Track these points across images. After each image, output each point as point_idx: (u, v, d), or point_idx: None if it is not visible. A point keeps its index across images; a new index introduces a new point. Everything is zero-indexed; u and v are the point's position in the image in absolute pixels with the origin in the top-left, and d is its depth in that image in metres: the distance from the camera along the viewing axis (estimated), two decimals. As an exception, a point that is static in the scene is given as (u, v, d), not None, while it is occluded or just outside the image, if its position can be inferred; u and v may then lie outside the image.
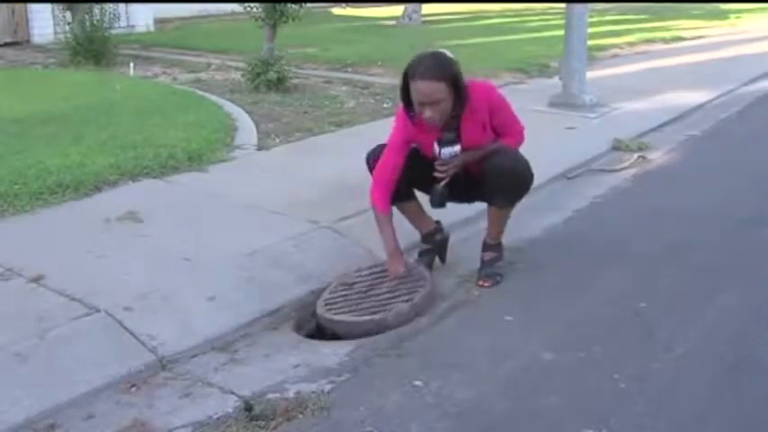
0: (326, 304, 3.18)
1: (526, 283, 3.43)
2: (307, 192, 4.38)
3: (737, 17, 16.50)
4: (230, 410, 2.48)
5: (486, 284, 3.37)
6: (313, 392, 2.56)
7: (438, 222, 3.66)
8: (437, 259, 3.65)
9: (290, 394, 2.56)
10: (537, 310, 3.16)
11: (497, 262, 3.48)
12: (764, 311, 3.12)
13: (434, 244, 3.63)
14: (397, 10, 15.92)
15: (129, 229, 3.79)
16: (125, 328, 2.84)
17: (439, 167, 3.26)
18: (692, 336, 2.89)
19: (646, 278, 3.45)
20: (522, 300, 3.27)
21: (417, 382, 2.63)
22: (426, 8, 16.01)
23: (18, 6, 12.01)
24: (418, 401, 2.52)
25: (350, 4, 13.64)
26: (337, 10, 15.60)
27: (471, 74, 9.20)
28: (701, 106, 7.31)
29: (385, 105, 7.07)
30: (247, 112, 6.53)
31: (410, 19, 15.24)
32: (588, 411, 2.45)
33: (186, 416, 2.46)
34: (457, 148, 3.21)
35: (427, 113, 3.08)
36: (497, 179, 3.26)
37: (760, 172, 5.15)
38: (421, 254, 3.62)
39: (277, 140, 5.71)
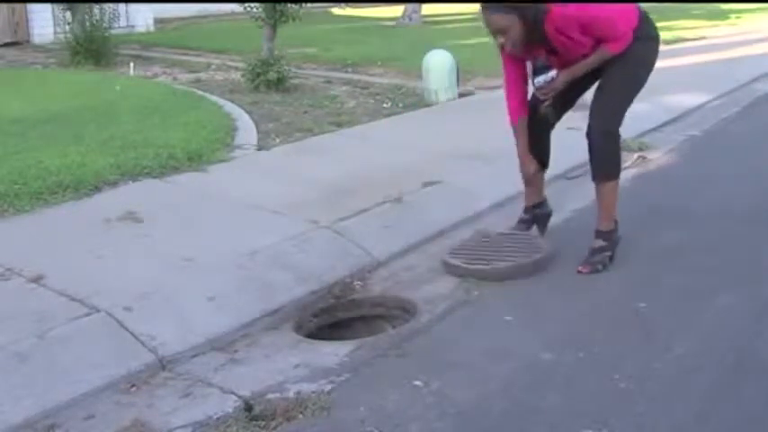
0: (453, 254, 3.60)
1: (526, 283, 3.43)
2: (307, 192, 4.38)
3: (738, 17, 16.49)
4: (230, 410, 2.48)
5: (583, 271, 3.46)
6: (313, 392, 2.56)
7: (544, 199, 3.87)
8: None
9: (290, 394, 2.56)
10: (537, 310, 3.16)
11: (604, 252, 3.53)
12: (764, 311, 3.12)
13: (534, 216, 3.84)
14: (397, 10, 15.92)
15: (129, 229, 3.79)
16: (125, 329, 2.84)
17: (538, 93, 3.50)
18: (692, 336, 2.89)
19: (646, 278, 3.45)
20: (521, 300, 3.26)
21: (417, 382, 2.63)
22: (426, 8, 16.01)
23: (18, 6, 12.02)
24: (418, 401, 2.52)
25: (350, 4, 13.63)
26: (337, 10, 15.60)
27: (472, 74, 9.15)
28: (701, 106, 7.31)
29: (385, 105, 7.07)
30: (247, 112, 6.54)
31: (410, 19, 15.24)
32: (588, 411, 2.44)
33: (186, 416, 2.45)
34: (552, 73, 3.38)
35: (499, 40, 3.25)
36: (589, 147, 3.50)
37: (760, 172, 5.14)
38: (519, 222, 3.81)
39: (277, 140, 5.71)
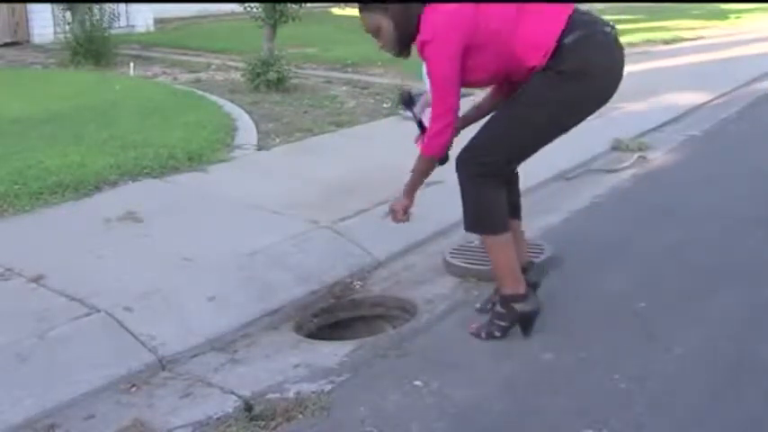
0: (454, 254, 3.59)
1: (526, 283, 3.42)
2: (306, 192, 4.38)
3: (737, 17, 16.49)
4: (230, 410, 2.48)
5: (472, 329, 2.97)
6: (313, 392, 2.56)
7: (530, 262, 3.20)
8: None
9: (290, 394, 2.56)
10: (537, 310, 3.16)
11: (500, 321, 2.92)
12: (764, 311, 3.12)
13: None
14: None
15: (129, 229, 3.79)
16: (125, 329, 2.84)
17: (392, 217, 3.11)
18: (692, 336, 2.89)
19: (646, 278, 3.45)
20: (522, 300, 3.26)
21: (417, 382, 2.63)
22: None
23: (18, 6, 12.02)
24: (418, 401, 2.52)
25: (350, 4, 13.62)
26: (337, 10, 15.58)
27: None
28: (700, 106, 7.31)
29: (385, 105, 7.07)
30: (247, 112, 6.54)
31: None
32: (588, 411, 2.44)
33: (186, 416, 2.46)
34: (421, 101, 3.02)
35: (378, 43, 2.89)
36: None
37: (760, 172, 5.14)
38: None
39: (277, 140, 5.71)
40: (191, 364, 2.78)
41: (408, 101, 2.98)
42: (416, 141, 2.99)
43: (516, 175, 3.09)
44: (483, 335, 2.92)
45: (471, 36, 2.65)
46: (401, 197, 3.05)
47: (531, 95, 2.73)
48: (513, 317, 2.88)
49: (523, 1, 2.72)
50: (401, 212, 3.06)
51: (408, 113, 2.95)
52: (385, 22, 2.76)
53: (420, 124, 2.97)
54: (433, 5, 2.67)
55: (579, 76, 2.68)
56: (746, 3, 17.24)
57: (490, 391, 2.58)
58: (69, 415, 2.45)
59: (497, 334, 2.90)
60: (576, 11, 2.72)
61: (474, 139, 2.82)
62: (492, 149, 2.79)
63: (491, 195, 2.81)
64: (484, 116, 3.00)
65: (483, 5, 2.68)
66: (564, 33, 2.65)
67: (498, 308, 2.92)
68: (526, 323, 2.90)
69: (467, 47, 2.66)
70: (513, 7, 2.70)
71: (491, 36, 2.68)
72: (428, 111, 2.82)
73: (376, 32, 2.82)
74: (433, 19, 2.65)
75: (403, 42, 2.80)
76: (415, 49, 2.80)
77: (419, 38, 2.67)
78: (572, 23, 2.67)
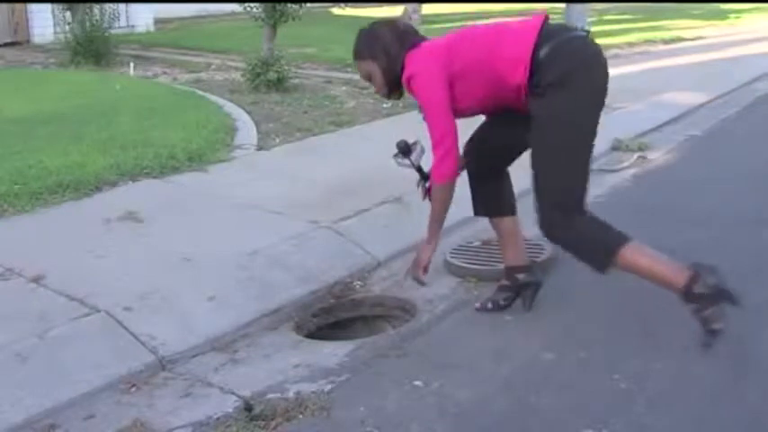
0: (454, 254, 3.62)
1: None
2: (307, 192, 4.38)
3: (737, 17, 16.49)
4: (230, 410, 2.48)
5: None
6: (313, 392, 2.57)
7: (529, 263, 3.22)
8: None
9: (290, 394, 2.56)
10: (537, 310, 3.16)
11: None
12: (764, 311, 3.12)
13: (516, 285, 3.15)
14: (398, 10, 15.91)
15: (129, 229, 3.79)
16: (125, 329, 2.84)
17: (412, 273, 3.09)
18: (692, 336, 2.89)
19: (646, 278, 3.44)
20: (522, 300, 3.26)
21: (417, 382, 2.63)
22: (427, 8, 16.00)
23: (18, 6, 12.02)
24: (418, 401, 2.52)
25: (349, 4, 13.62)
26: (337, 10, 15.58)
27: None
28: (701, 106, 7.31)
29: (384, 105, 7.07)
30: (247, 112, 6.54)
31: (410, 19, 15.21)
32: (588, 411, 2.45)
33: (186, 416, 2.46)
34: (417, 150, 3.05)
35: (373, 88, 3.10)
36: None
37: (760, 172, 5.14)
38: (499, 289, 3.19)
39: (277, 140, 5.71)
40: (191, 364, 2.78)
41: (405, 150, 3.04)
42: (423, 194, 3.06)
43: (507, 173, 3.14)
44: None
45: (451, 63, 2.81)
46: (424, 243, 3.01)
47: (542, 123, 2.77)
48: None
49: (496, 25, 2.90)
50: (423, 269, 3.00)
51: (406, 161, 3.03)
52: (375, 68, 2.97)
53: (420, 170, 3.04)
54: (413, 51, 2.87)
55: (566, 82, 2.71)
56: (746, 3, 17.25)
57: (490, 391, 2.58)
58: (69, 415, 2.45)
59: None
60: (545, 24, 2.79)
61: (538, 201, 2.81)
62: (559, 192, 2.78)
63: (589, 227, 2.79)
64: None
65: (459, 37, 2.88)
66: (537, 46, 2.72)
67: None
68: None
69: (451, 75, 2.80)
70: (491, 33, 2.85)
71: (473, 62, 2.80)
72: (425, 157, 2.99)
73: (369, 78, 3.04)
74: (414, 57, 2.86)
75: (391, 85, 2.97)
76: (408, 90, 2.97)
77: (404, 75, 2.86)
78: (543, 36, 2.74)
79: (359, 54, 3.02)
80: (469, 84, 2.83)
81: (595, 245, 2.77)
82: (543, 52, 2.71)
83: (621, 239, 2.75)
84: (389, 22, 3.05)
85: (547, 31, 2.76)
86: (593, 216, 2.81)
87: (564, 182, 2.78)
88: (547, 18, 2.81)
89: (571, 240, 2.81)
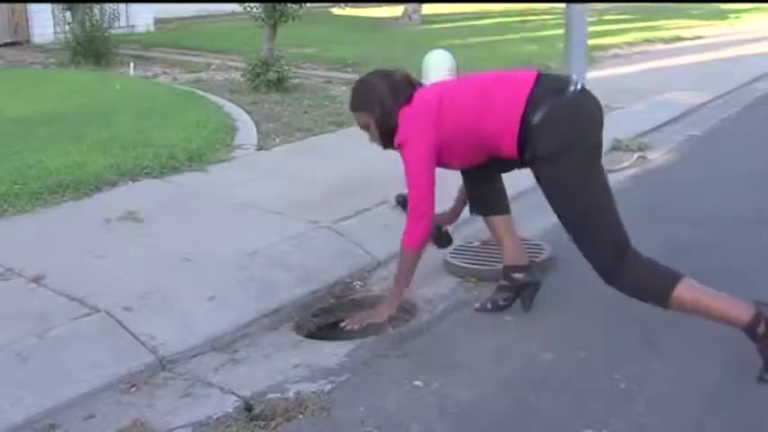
0: (454, 254, 3.62)
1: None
2: (307, 192, 4.38)
3: (737, 17, 16.49)
4: (230, 410, 2.48)
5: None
6: (313, 392, 2.57)
7: (528, 263, 3.20)
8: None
9: (290, 394, 2.56)
10: (537, 310, 3.16)
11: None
12: (764, 311, 3.11)
13: (515, 286, 3.16)
14: (397, 10, 15.92)
15: (129, 229, 3.79)
16: (125, 329, 2.84)
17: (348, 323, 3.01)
18: (692, 336, 2.89)
19: (646, 278, 3.44)
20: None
21: (417, 382, 2.63)
22: (427, 8, 16.01)
23: (18, 6, 12.02)
24: (418, 401, 2.52)
25: (349, 4, 13.64)
26: (337, 10, 15.58)
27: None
28: (701, 106, 7.31)
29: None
30: (247, 112, 6.54)
31: (410, 19, 15.24)
32: (588, 411, 2.45)
33: (186, 416, 2.46)
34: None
35: (370, 138, 3.09)
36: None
37: (760, 172, 5.14)
38: (498, 289, 3.20)
39: (277, 140, 5.71)
40: (191, 364, 2.78)
41: (404, 203, 3.10)
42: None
43: (499, 177, 3.16)
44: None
45: (440, 127, 2.82)
46: (386, 303, 2.99)
47: (550, 193, 2.81)
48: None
49: (485, 84, 2.85)
50: (361, 324, 2.94)
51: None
52: (370, 120, 2.98)
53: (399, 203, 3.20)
54: (406, 108, 2.89)
55: (563, 152, 2.72)
56: (746, 3, 17.25)
57: (490, 391, 2.58)
58: (69, 415, 2.45)
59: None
60: (537, 83, 2.74)
61: (586, 258, 2.79)
62: (599, 250, 2.76)
63: (642, 270, 2.73)
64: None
65: (447, 101, 2.85)
66: (528, 112, 2.69)
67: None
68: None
69: (440, 139, 2.84)
70: (479, 96, 2.82)
71: (460, 131, 2.83)
72: None
73: (366, 128, 3.05)
74: (406, 117, 2.88)
75: (385, 137, 2.98)
76: None
77: (397, 138, 2.89)
78: (535, 99, 2.71)
79: (354, 105, 3.05)
80: (459, 147, 2.88)
81: (654, 285, 2.71)
82: (536, 118, 2.68)
83: (676, 276, 2.67)
84: (384, 73, 3.03)
85: (539, 92, 2.71)
86: (644, 258, 2.75)
87: (598, 240, 2.76)
88: (539, 76, 2.78)
89: (632, 286, 2.75)
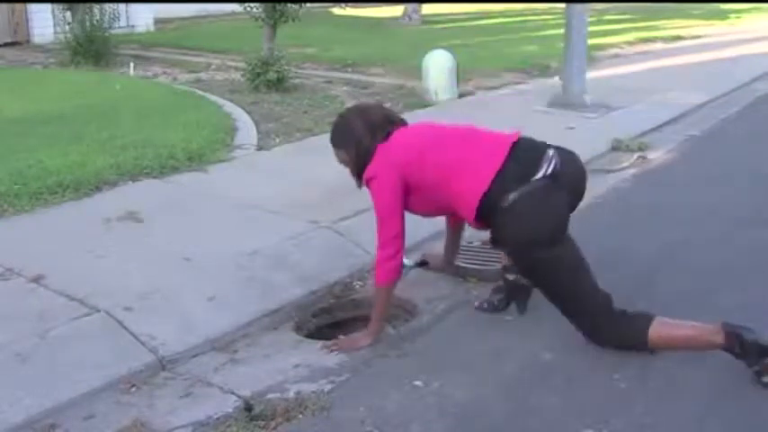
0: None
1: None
2: (307, 192, 4.38)
3: (737, 17, 16.50)
4: (230, 410, 2.48)
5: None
6: (313, 392, 2.57)
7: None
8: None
9: (290, 394, 2.56)
10: (537, 310, 3.15)
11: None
12: (764, 311, 3.11)
13: (507, 287, 3.17)
14: (397, 10, 15.92)
15: (129, 229, 3.79)
16: (125, 329, 2.84)
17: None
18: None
19: (645, 278, 3.45)
20: (521, 300, 3.26)
21: (417, 382, 2.63)
22: (427, 8, 16.01)
23: (18, 6, 12.01)
24: (418, 401, 2.53)
25: (350, 4, 13.64)
26: (337, 10, 15.57)
27: (472, 74, 9.16)
28: (701, 106, 7.31)
29: (385, 105, 7.07)
30: (247, 112, 6.54)
31: (410, 19, 15.25)
32: (588, 411, 2.45)
33: (186, 416, 2.46)
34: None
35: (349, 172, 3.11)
36: None
37: (760, 172, 5.14)
38: (493, 291, 3.23)
39: (277, 140, 5.71)
40: (191, 364, 2.78)
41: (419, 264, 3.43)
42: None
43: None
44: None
45: (411, 176, 2.84)
46: (366, 333, 2.94)
47: (523, 273, 2.89)
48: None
49: (459, 152, 2.82)
50: (339, 348, 2.89)
51: (408, 265, 3.29)
52: (346, 157, 3.03)
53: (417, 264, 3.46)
54: (384, 146, 2.91)
55: (524, 247, 2.74)
56: (746, 3, 17.26)
57: (490, 391, 2.58)
58: (69, 415, 2.45)
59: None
60: (510, 155, 2.73)
61: (570, 322, 2.80)
62: (580, 314, 2.78)
63: (620, 323, 2.75)
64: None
65: (428, 153, 2.84)
66: (492, 191, 2.69)
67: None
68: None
69: (408, 185, 2.86)
70: (447, 159, 2.81)
71: (430, 187, 2.85)
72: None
73: (344, 163, 3.07)
74: (379, 157, 2.89)
75: (359, 173, 2.99)
76: None
77: (365, 176, 2.92)
78: (500, 180, 2.69)
79: (333, 141, 3.10)
80: (426, 198, 2.90)
81: (632, 333, 2.73)
82: (499, 203, 2.67)
83: (647, 319, 2.71)
84: (363, 111, 3.06)
85: (508, 172, 2.69)
86: (618, 311, 2.76)
87: (578, 311, 2.78)
88: (515, 145, 2.77)
89: (613, 340, 2.77)
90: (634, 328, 2.71)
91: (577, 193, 2.84)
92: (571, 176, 2.77)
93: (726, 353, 2.57)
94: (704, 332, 2.62)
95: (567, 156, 2.79)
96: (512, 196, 2.66)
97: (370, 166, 2.90)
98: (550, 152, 2.74)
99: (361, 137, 2.94)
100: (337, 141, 3.07)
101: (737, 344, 2.54)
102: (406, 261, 3.12)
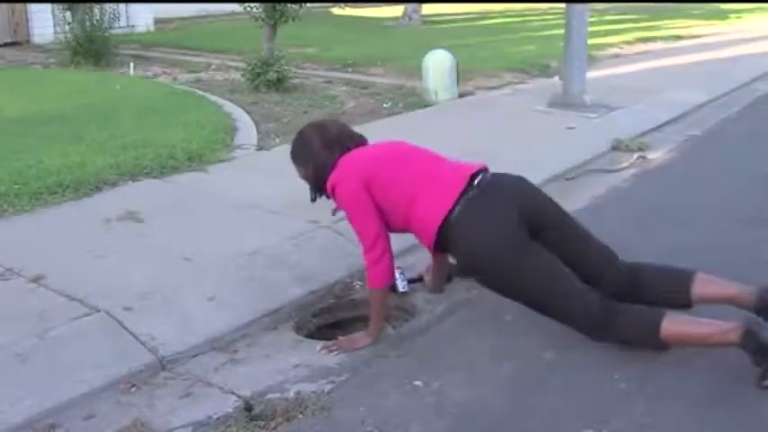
0: None
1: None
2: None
3: (737, 17, 16.50)
4: (230, 410, 2.48)
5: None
6: (313, 392, 2.57)
7: None
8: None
9: (290, 394, 2.56)
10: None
11: None
12: (764, 311, 3.11)
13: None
14: (397, 10, 15.92)
15: (129, 229, 3.79)
16: (125, 329, 2.84)
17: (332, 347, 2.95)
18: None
19: (646, 278, 3.44)
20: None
21: (417, 382, 2.63)
22: (427, 8, 16.01)
23: (18, 6, 12.01)
24: (418, 401, 2.53)
25: (349, 4, 13.64)
26: (337, 10, 15.57)
27: (472, 74, 9.17)
28: (701, 106, 7.31)
29: (385, 105, 7.08)
30: (247, 112, 6.54)
31: (410, 19, 15.25)
32: (588, 411, 2.45)
33: (186, 416, 2.46)
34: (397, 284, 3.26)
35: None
36: None
37: (760, 172, 5.14)
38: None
39: (277, 140, 5.71)
40: (191, 364, 2.78)
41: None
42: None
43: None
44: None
45: (368, 187, 2.88)
46: (366, 333, 2.94)
47: (491, 272, 2.84)
48: None
49: (426, 169, 2.93)
50: (339, 348, 2.89)
51: (402, 285, 3.32)
52: (305, 173, 3.10)
53: (414, 281, 3.38)
54: (346, 157, 2.97)
55: (479, 265, 2.83)
56: (746, 3, 17.26)
57: (490, 391, 2.58)
58: (69, 415, 2.45)
59: None
60: (471, 183, 2.83)
61: (563, 324, 2.80)
62: (562, 312, 2.78)
63: (625, 313, 2.72)
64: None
65: (387, 161, 2.94)
66: (448, 217, 2.79)
67: None
68: None
69: (370, 191, 2.88)
70: (412, 181, 2.89)
71: (388, 200, 2.89)
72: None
73: (305, 179, 3.12)
74: (339, 168, 2.95)
75: (316, 187, 3.07)
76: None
77: (328, 186, 2.95)
78: (456, 205, 2.79)
79: (292, 158, 3.15)
80: (385, 212, 2.92)
81: (639, 329, 2.70)
82: (453, 214, 2.76)
83: (660, 316, 2.66)
84: (321, 128, 3.11)
85: (469, 198, 2.79)
86: (620, 305, 2.75)
87: (566, 313, 2.77)
88: (474, 176, 2.85)
89: (617, 336, 2.74)
90: (644, 320, 2.68)
91: (525, 197, 2.87)
92: (505, 185, 2.88)
93: (726, 353, 2.57)
94: (719, 328, 2.58)
95: (501, 174, 2.93)
96: (455, 211, 2.77)
97: (332, 175, 2.94)
98: (486, 173, 2.90)
99: (319, 153, 3.01)
100: (296, 158, 3.13)
101: (751, 341, 2.50)
102: (399, 284, 3.24)
